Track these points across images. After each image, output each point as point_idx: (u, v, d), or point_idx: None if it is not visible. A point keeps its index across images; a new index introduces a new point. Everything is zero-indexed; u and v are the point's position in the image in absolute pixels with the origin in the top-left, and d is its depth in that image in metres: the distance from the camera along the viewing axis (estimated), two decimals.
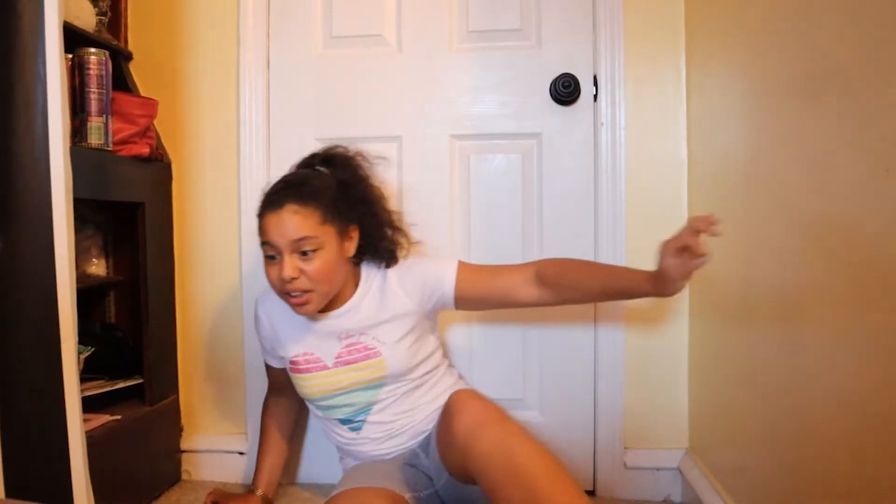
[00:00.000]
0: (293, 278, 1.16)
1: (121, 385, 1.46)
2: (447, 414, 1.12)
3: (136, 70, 1.59)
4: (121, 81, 1.47)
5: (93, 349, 1.42)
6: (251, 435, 1.58)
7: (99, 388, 1.42)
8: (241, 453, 1.61)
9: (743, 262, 1.19)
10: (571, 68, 1.52)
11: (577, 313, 1.54)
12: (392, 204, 1.55)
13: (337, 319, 1.28)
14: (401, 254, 1.32)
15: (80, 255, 1.51)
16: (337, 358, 1.27)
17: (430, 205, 1.57)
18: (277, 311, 1.31)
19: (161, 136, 1.56)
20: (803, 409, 0.95)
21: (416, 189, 1.57)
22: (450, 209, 1.57)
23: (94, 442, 1.15)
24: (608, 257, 1.52)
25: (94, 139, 1.31)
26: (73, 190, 1.02)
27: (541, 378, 1.56)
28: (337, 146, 1.34)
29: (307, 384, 1.29)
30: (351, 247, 1.26)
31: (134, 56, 1.60)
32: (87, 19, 1.41)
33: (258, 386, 1.53)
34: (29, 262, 0.97)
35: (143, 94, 1.54)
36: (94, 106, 1.30)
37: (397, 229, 1.34)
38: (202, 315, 1.64)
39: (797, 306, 0.97)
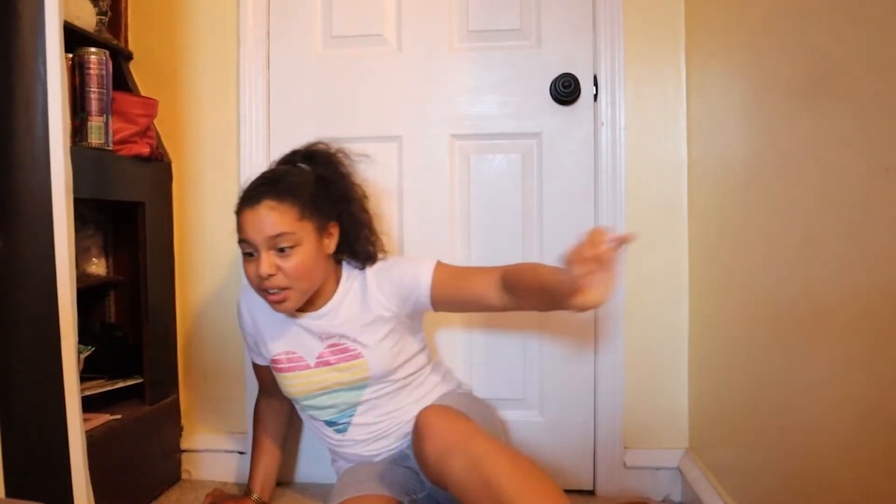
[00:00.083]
0: (270, 275, 1.15)
1: (121, 385, 1.46)
2: (415, 437, 1.09)
3: (136, 70, 1.59)
4: (121, 81, 1.48)
5: (93, 349, 1.42)
6: (251, 434, 1.58)
7: (99, 387, 1.42)
8: (241, 453, 1.61)
9: (742, 261, 1.19)
10: (571, 68, 1.52)
11: (577, 312, 1.54)
12: (388, 203, 1.57)
13: (318, 321, 1.26)
14: (379, 253, 1.31)
15: (80, 255, 1.51)
16: (319, 358, 1.26)
17: (430, 204, 1.57)
18: (259, 307, 1.30)
19: (161, 135, 1.56)
20: (803, 408, 0.95)
21: (416, 189, 1.57)
22: (450, 209, 1.57)
23: (94, 441, 1.15)
24: None
25: (95, 139, 1.31)
26: (74, 189, 1.02)
27: (541, 378, 1.56)
28: (319, 143, 1.33)
29: (290, 383, 1.29)
30: (331, 243, 1.24)
31: (134, 56, 1.60)
32: (87, 19, 1.41)
33: (258, 386, 1.53)
34: (29, 261, 0.97)
35: (143, 93, 1.54)
36: (94, 105, 1.30)
37: (372, 231, 1.33)
38: (202, 314, 1.64)
39: (797, 306, 0.97)
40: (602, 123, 1.52)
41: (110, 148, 1.34)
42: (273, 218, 1.14)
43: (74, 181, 1.02)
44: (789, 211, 0.99)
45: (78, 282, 1.04)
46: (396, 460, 1.28)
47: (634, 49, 1.53)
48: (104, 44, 1.43)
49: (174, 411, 1.58)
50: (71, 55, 1.29)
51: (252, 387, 1.58)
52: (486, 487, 0.97)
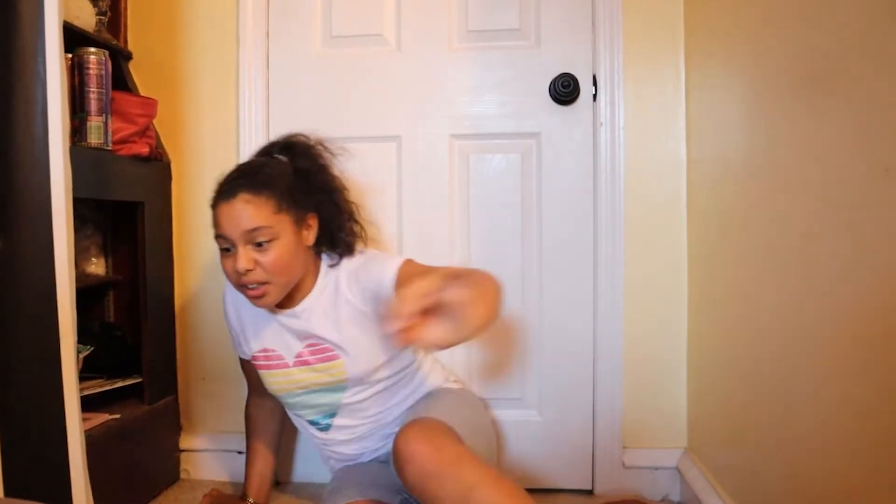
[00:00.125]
0: (248, 270, 1.12)
1: (120, 384, 1.46)
2: (394, 458, 1.04)
3: (135, 70, 1.59)
4: (120, 81, 1.48)
5: (92, 348, 1.42)
6: (245, 429, 1.58)
7: (98, 387, 1.42)
8: (240, 452, 1.61)
9: (742, 261, 1.19)
10: (571, 68, 1.52)
11: (577, 312, 1.54)
12: (388, 203, 1.57)
13: (295, 319, 1.24)
14: (358, 245, 1.29)
15: (80, 255, 1.51)
16: (297, 357, 1.25)
17: (430, 204, 1.57)
18: (244, 302, 1.26)
19: (160, 135, 1.56)
20: (802, 408, 0.95)
21: (415, 189, 1.57)
22: (449, 209, 1.57)
23: (94, 441, 1.15)
24: (607, 257, 1.52)
25: (94, 139, 1.31)
26: (73, 189, 1.02)
27: (539, 377, 1.56)
28: (297, 134, 1.30)
29: (269, 381, 1.28)
30: (310, 235, 1.21)
31: (133, 56, 1.60)
32: (86, 19, 1.41)
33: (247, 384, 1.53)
34: (28, 261, 0.97)
35: (142, 93, 1.54)
36: (93, 105, 1.31)
37: (356, 221, 1.31)
38: (201, 314, 1.64)
39: (796, 306, 0.97)
40: (601, 123, 1.53)
41: (109, 148, 1.34)
42: (249, 212, 1.12)
43: (74, 181, 1.02)
44: (789, 211, 1.00)
45: (77, 281, 1.04)
46: (385, 459, 1.27)
47: (634, 49, 1.53)
48: (104, 44, 1.43)
49: (173, 411, 1.58)
50: (70, 55, 1.29)
51: None
52: None
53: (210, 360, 1.64)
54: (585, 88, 1.53)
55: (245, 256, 1.12)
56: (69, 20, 1.30)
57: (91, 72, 1.31)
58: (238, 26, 1.59)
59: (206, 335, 1.64)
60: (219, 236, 1.15)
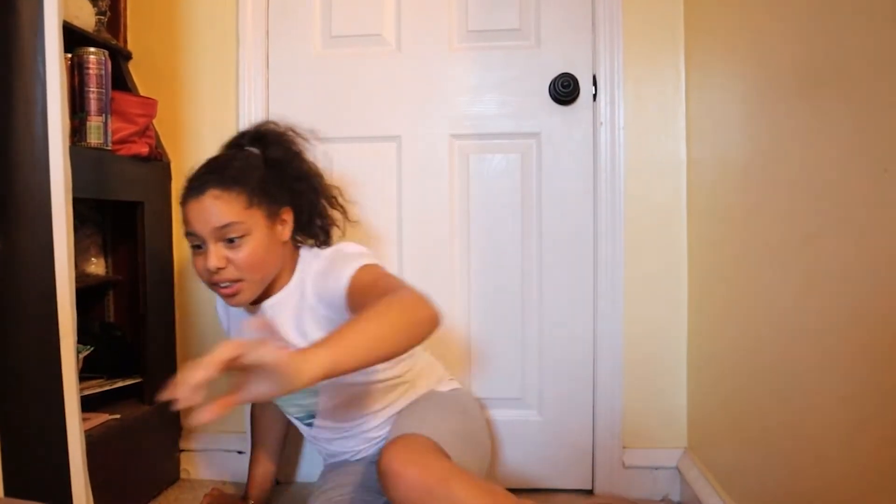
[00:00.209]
0: (220, 268, 1.08)
1: (120, 384, 1.46)
2: (380, 478, 0.99)
3: (135, 69, 1.59)
4: (120, 81, 1.47)
5: (92, 348, 1.42)
6: (250, 431, 1.58)
7: (98, 387, 1.42)
8: (240, 452, 1.61)
9: (741, 261, 1.19)
10: (571, 68, 1.52)
11: (577, 312, 1.54)
12: (388, 203, 1.57)
13: (263, 317, 1.18)
14: (336, 232, 1.26)
15: (80, 255, 1.51)
16: None
17: (430, 204, 1.57)
18: None
19: (160, 135, 1.56)
20: (802, 408, 0.95)
21: (415, 189, 1.57)
22: (449, 209, 1.57)
23: (93, 441, 1.15)
24: (606, 256, 1.52)
25: (94, 139, 1.31)
26: (73, 189, 1.02)
27: (539, 377, 1.56)
28: (267, 122, 1.26)
29: None
30: (284, 230, 1.17)
31: (133, 55, 1.60)
32: (86, 19, 1.41)
33: None
34: (28, 261, 0.97)
35: (142, 93, 1.54)
36: (93, 105, 1.30)
37: (335, 207, 1.27)
38: (201, 314, 1.63)
39: (796, 306, 0.97)
40: (601, 123, 1.53)
41: (109, 148, 1.34)
42: (219, 207, 1.08)
43: (73, 181, 1.02)
44: (789, 211, 1.00)
45: (77, 281, 1.04)
46: (374, 460, 1.25)
47: (634, 49, 1.53)
48: (103, 44, 1.43)
49: (173, 411, 1.58)
50: (70, 55, 1.29)
51: None
52: None
53: None
54: (585, 88, 1.53)
55: (216, 254, 1.09)
56: (69, 20, 1.30)
57: (91, 72, 1.31)
58: (238, 26, 1.59)
59: (206, 335, 1.64)
60: (189, 234, 1.12)
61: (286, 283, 1.19)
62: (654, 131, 1.53)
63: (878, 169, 0.76)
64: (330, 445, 1.29)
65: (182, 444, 1.62)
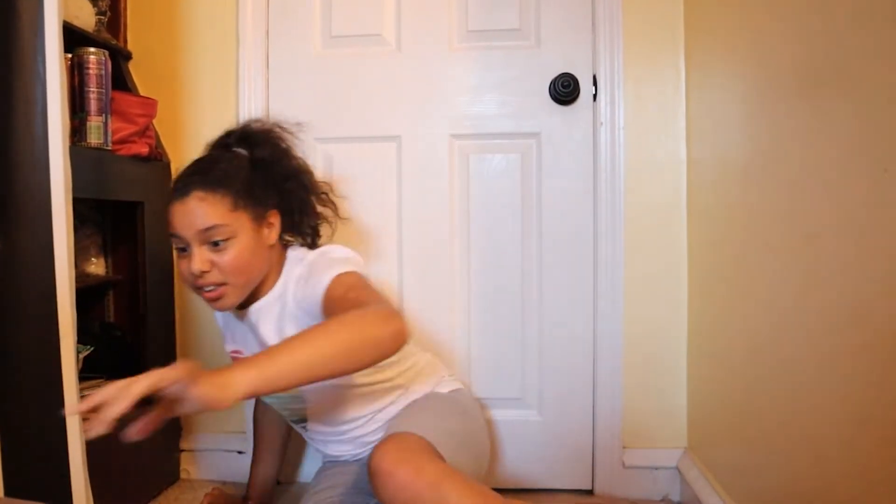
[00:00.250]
0: (204, 272, 1.06)
1: None
2: (370, 478, 0.96)
3: (135, 69, 1.59)
4: (120, 81, 1.47)
5: (91, 348, 1.41)
6: (250, 434, 1.58)
7: (98, 387, 1.41)
8: (240, 452, 1.61)
9: (741, 261, 1.19)
10: (571, 68, 1.52)
11: (577, 312, 1.54)
12: (388, 203, 1.56)
13: (249, 321, 1.17)
14: (329, 230, 1.25)
15: (79, 255, 1.51)
16: None
17: (430, 204, 1.57)
18: None
19: (160, 135, 1.56)
20: (802, 408, 0.95)
21: (415, 189, 1.57)
22: (449, 209, 1.57)
23: (93, 441, 1.15)
24: (607, 257, 1.52)
25: (94, 139, 1.31)
26: (73, 189, 1.02)
27: (539, 377, 1.56)
28: (254, 120, 1.24)
29: None
30: (271, 233, 1.15)
31: (133, 55, 1.60)
32: (86, 19, 1.41)
33: None
34: (28, 261, 0.97)
35: (142, 93, 1.54)
36: (93, 105, 1.30)
37: (326, 204, 1.25)
38: (201, 314, 1.63)
39: (796, 306, 0.97)
40: (601, 123, 1.53)
41: (109, 148, 1.34)
42: (203, 210, 1.06)
43: (73, 181, 1.02)
44: (789, 211, 1.00)
45: (77, 281, 1.04)
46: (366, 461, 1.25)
47: (634, 49, 1.53)
48: (103, 44, 1.43)
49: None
50: (70, 55, 1.29)
51: None
52: None
53: (210, 360, 1.64)
54: (585, 88, 1.53)
55: (200, 257, 1.06)
56: (69, 20, 1.30)
57: (91, 72, 1.31)
58: (238, 26, 1.59)
59: (206, 335, 1.64)
60: (173, 236, 1.10)
61: (272, 286, 1.17)
62: (654, 131, 1.54)
63: (879, 169, 0.76)
64: (326, 448, 1.28)
65: (182, 444, 1.62)
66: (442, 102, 1.56)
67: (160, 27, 1.62)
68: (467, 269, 1.57)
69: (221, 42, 1.61)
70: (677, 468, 1.51)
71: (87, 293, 1.57)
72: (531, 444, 1.56)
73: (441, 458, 1.00)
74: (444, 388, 1.30)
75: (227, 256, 1.07)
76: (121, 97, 1.40)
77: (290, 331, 1.11)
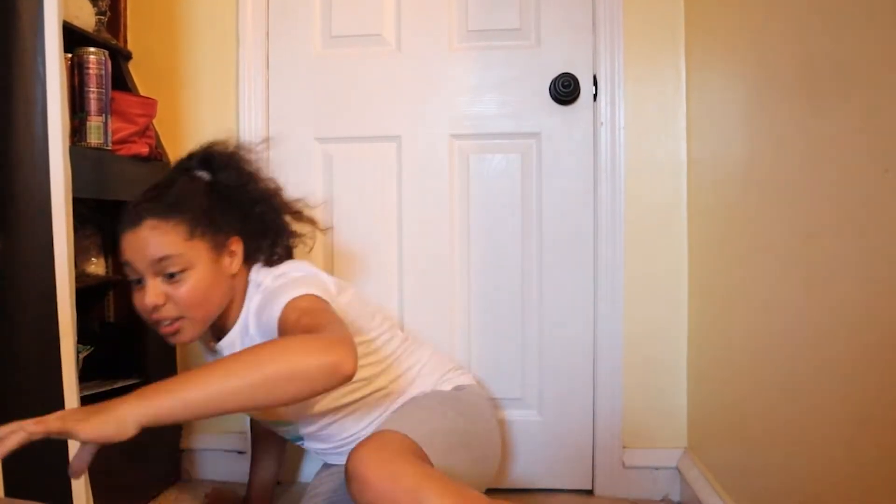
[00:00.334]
0: (157, 305, 1.00)
1: (119, 384, 1.45)
2: (347, 481, 0.90)
3: (135, 69, 1.59)
4: (120, 81, 1.47)
5: (91, 348, 1.42)
6: (250, 434, 1.58)
7: (97, 387, 1.41)
8: (241, 452, 1.61)
9: (742, 262, 1.19)
10: (571, 68, 1.52)
11: (577, 312, 1.54)
12: (388, 203, 1.56)
13: (220, 356, 1.11)
14: (304, 247, 1.19)
15: (79, 255, 1.51)
16: None
17: (430, 204, 1.57)
18: None
19: (160, 135, 1.56)
20: (802, 408, 0.95)
21: (415, 189, 1.57)
22: (449, 209, 1.57)
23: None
24: (607, 257, 1.52)
25: (94, 139, 1.30)
26: (73, 189, 1.02)
27: (539, 377, 1.56)
28: (215, 143, 1.14)
29: None
30: (233, 262, 1.08)
31: (133, 55, 1.60)
32: (86, 19, 1.41)
33: None
34: (28, 261, 0.97)
35: (142, 93, 1.54)
36: (93, 105, 1.30)
37: (302, 220, 1.19)
38: None
39: (797, 307, 0.97)
40: (601, 123, 1.53)
41: (109, 148, 1.34)
42: (156, 239, 0.99)
43: (73, 181, 1.02)
44: (789, 211, 1.00)
45: (77, 281, 1.04)
46: None
47: (634, 49, 1.53)
48: (103, 43, 1.43)
49: None
50: (70, 55, 1.29)
51: None
52: None
53: (210, 360, 1.64)
54: (586, 88, 1.53)
55: (154, 290, 1.00)
56: (69, 20, 1.30)
57: (91, 72, 1.30)
58: (238, 26, 1.59)
59: None
60: (125, 265, 1.03)
61: (238, 318, 1.10)
62: (655, 131, 1.53)
63: (879, 169, 0.76)
64: (326, 458, 1.28)
65: (182, 444, 1.62)
66: (442, 102, 1.56)
67: (160, 27, 1.62)
68: (467, 269, 1.57)
69: (221, 42, 1.61)
70: (677, 468, 1.51)
71: (87, 293, 1.57)
72: (531, 445, 1.56)
73: (425, 459, 0.96)
74: (448, 385, 1.26)
75: (183, 289, 1.01)
76: (121, 97, 1.40)
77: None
